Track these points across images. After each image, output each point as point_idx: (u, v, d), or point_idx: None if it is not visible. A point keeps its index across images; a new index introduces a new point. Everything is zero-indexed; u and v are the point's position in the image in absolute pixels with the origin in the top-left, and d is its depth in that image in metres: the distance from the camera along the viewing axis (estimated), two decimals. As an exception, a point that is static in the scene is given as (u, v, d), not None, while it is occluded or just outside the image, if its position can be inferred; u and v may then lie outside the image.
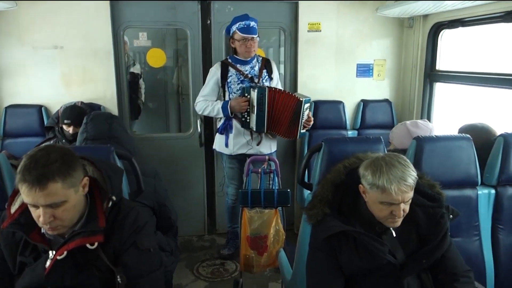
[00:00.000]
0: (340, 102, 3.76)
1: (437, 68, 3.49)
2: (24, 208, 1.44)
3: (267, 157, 2.73)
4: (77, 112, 3.08)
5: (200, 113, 3.22)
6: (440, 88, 3.53)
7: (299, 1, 3.57)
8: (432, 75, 3.50)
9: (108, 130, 2.13)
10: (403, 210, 1.56)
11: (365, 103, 3.82)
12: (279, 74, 3.38)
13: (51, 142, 3.12)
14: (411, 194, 1.57)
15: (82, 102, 3.35)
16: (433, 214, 1.67)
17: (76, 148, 1.90)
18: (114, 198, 1.50)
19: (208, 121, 3.72)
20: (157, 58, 3.85)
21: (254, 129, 3.02)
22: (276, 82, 3.21)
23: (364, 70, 3.82)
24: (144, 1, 3.42)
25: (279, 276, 2.77)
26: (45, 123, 3.35)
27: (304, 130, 3.03)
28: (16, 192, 1.49)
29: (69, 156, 1.40)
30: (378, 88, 3.87)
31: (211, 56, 3.62)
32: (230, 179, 3.34)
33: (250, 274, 2.83)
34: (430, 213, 1.67)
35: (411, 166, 1.59)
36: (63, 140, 3.07)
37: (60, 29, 3.34)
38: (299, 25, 3.62)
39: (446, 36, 3.41)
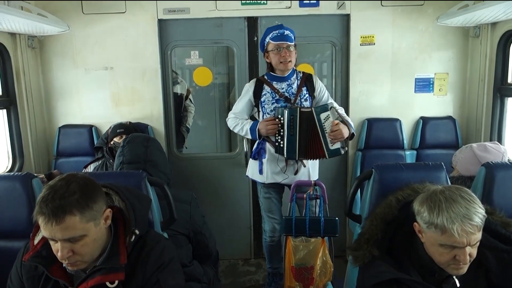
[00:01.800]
0: (396, 120, 3.48)
1: (509, 81, 3.10)
2: (46, 240, 1.37)
3: (313, 182, 2.51)
4: (128, 125, 3.21)
5: (232, 129, 2.96)
6: (513, 104, 3.14)
7: (351, 13, 3.37)
8: (503, 89, 3.12)
9: (144, 154, 2.05)
10: (470, 255, 1.31)
11: (425, 120, 3.50)
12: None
13: (99, 162, 3.15)
14: (478, 235, 1.30)
15: (130, 122, 3.38)
16: (509, 261, 1.38)
17: (108, 174, 1.84)
18: (137, 232, 1.40)
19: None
20: (203, 76, 3.81)
21: (285, 156, 2.65)
22: (321, 99, 2.81)
23: (424, 85, 3.50)
24: (191, 20, 3.40)
25: (327, 312, 2.53)
26: (95, 143, 3.40)
27: (336, 146, 2.59)
28: (40, 223, 1.43)
29: (89, 186, 1.31)
30: (439, 104, 3.53)
31: (258, 73, 3.50)
32: (267, 211, 2.89)
33: (296, 307, 2.62)
34: (505, 258, 1.39)
35: (478, 201, 1.33)
36: (111, 160, 3.08)
37: (110, 51, 3.40)
38: (351, 39, 3.41)
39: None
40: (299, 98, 2.74)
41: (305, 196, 2.49)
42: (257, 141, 2.85)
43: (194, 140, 4.98)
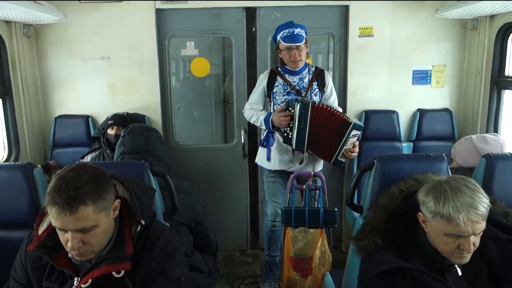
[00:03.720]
0: (393, 112, 3.49)
1: (506, 73, 3.12)
2: (51, 229, 1.37)
3: (312, 173, 2.52)
4: (121, 115, 3.19)
5: (248, 120, 3.02)
6: (510, 96, 3.16)
7: (350, 4, 3.35)
8: (500, 81, 3.14)
9: (145, 144, 2.04)
10: (473, 244, 1.32)
11: (422, 112, 3.51)
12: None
13: (96, 152, 3.13)
14: (483, 224, 1.32)
15: (127, 113, 3.36)
16: (510, 250, 1.40)
17: (110, 164, 1.83)
18: (143, 222, 1.39)
19: (252, 132, 3.59)
20: (201, 67, 3.78)
21: (293, 147, 2.72)
22: (329, 96, 2.92)
23: (421, 77, 3.51)
24: (189, 9, 3.37)
25: (325, 301, 2.55)
26: (92, 133, 3.37)
27: (342, 159, 2.68)
28: (45, 213, 1.42)
29: (101, 177, 1.31)
30: (436, 97, 3.55)
31: (256, 64, 3.50)
32: (271, 195, 2.97)
33: (294, 297, 2.64)
34: (506, 248, 1.41)
35: (482, 191, 1.35)
36: (108, 151, 3.06)
37: (107, 40, 3.36)
38: (350, 30, 3.40)
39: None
40: (309, 92, 2.82)
41: (304, 187, 2.50)
42: (266, 130, 2.92)
43: (190, 131, 4.96)
